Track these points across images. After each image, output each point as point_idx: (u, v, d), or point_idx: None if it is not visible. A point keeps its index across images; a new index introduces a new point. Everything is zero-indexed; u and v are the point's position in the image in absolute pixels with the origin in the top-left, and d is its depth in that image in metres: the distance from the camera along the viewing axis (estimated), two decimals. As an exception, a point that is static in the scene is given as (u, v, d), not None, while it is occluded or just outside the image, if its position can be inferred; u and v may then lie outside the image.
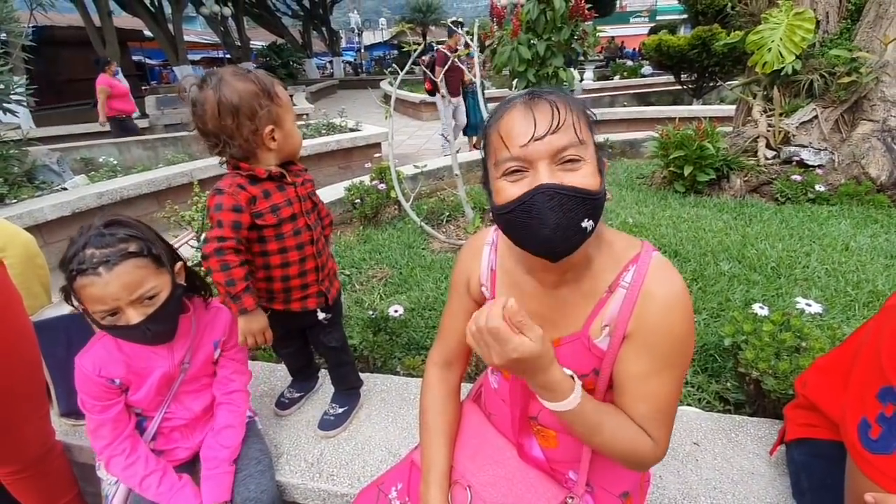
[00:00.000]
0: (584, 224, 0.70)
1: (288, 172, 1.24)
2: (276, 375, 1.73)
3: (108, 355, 1.10)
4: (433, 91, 6.49)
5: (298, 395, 1.56)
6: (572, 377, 0.74)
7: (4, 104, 4.45)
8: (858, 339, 1.02)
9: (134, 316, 0.97)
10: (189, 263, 2.17)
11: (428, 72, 4.80)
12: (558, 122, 0.69)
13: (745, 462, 1.25)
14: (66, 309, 1.49)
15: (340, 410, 1.46)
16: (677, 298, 0.76)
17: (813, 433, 1.05)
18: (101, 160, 5.72)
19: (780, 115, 3.71)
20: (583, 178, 0.69)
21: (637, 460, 0.80)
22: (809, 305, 1.51)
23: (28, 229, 1.61)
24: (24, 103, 4.89)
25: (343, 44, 29.21)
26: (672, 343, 0.76)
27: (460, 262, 1.00)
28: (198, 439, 1.25)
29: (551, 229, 0.69)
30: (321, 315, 1.35)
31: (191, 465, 1.26)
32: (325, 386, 1.64)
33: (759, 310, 1.51)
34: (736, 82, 4.28)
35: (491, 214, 0.79)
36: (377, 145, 6.05)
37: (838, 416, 0.93)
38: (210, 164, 4.76)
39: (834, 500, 0.93)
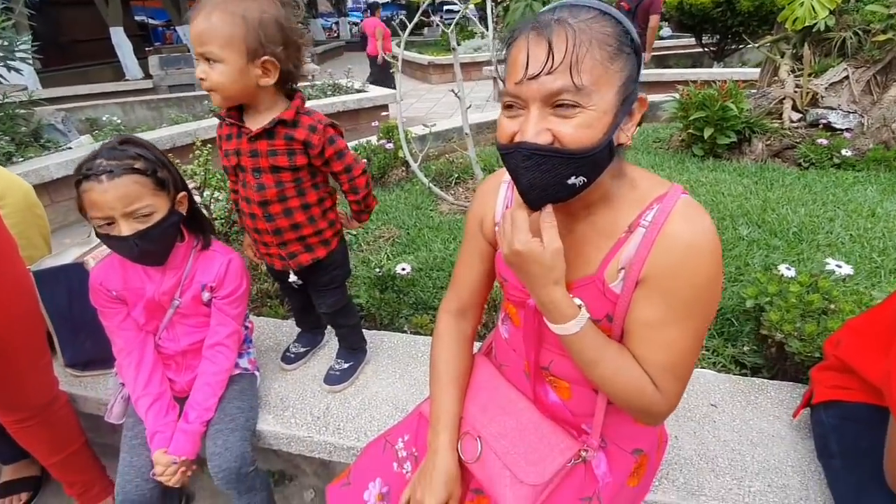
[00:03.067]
0: (570, 181, 0.65)
1: (252, 121, 1.12)
2: (281, 330, 1.70)
3: (111, 269, 1.18)
4: None
5: (304, 349, 1.53)
6: (580, 307, 0.73)
7: (9, 61, 4.37)
8: (900, 298, 0.95)
9: (125, 228, 1.02)
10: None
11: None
12: (553, 64, 0.61)
13: (765, 424, 1.20)
14: (66, 259, 1.46)
15: (346, 366, 1.44)
16: (702, 242, 0.68)
17: (844, 395, 1.00)
18: (104, 119, 5.64)
19: (810, 75, 3.52)
20: (575, 128, 0.62)
21: (640, 407, 0.75)
22: (840, 267, 1.44)
23: (34, 188, 1.59)
24: (29, 62, 4.79)
25: (349, 4, 28.28)
26: (692, 290, 0.69)
27: (475, 202, 0.94)
28: (186, 378, 1.27)
29: (525, 186, 0.68)
30: (292, 277, 1.30)
31: (184, 402, 1.27)
32: (331, 341, 1.60)
33: (786, 271, 1.44)
34: (763, 41, 4.05)
35: None
36: (384, 107, 5.89)
37: (879, 379, 0.87)
38: (213, 125, 4.65)
39: (866, 463, 0.89)
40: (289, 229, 1.21)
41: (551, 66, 0.61)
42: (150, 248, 1.09)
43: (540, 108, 0.64)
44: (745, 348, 1.61)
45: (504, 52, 0.69)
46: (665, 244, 0.69)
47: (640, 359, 0.74)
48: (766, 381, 1.36)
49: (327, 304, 1.37)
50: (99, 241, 1.14)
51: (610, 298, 0.76)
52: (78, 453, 1.41)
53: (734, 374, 1.47)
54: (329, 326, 1.64)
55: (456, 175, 3.42)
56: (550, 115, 0.64)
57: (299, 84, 1.17)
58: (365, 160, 1.18)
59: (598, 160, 0.65)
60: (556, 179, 0.65)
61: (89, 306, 1.21)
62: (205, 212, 2.23)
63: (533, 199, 0.69)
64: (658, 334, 0.72)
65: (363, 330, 1.55)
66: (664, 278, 0.69)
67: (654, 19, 4.87)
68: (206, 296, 1.23)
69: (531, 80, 0.63)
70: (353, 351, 1.47)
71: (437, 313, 1.02)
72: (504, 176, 0.90)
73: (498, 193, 0.90)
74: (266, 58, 1.02)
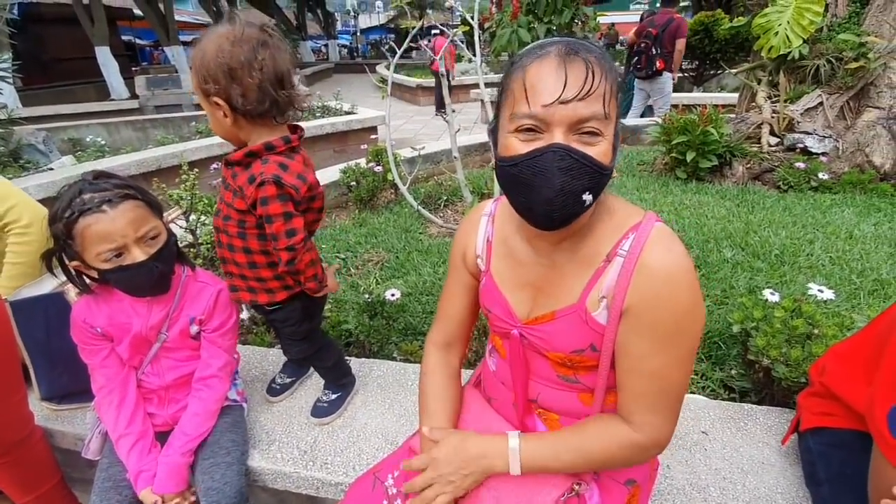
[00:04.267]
0: (584, 196, 0.66)
1: (234, 159, 1.10)
2: (267, 360, 1.67)
3: (95, 305, 1.14)
4: (663, 70, 5.23)
5: (290, 380, 1.50)
6: (507, 435, 0.79)
7: (-13, 79, 4.32)
8: (881, 325, 0.97)
9: (139, 254, 1.00)
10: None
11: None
12: (590, 89, 0.62)
13: (754, 451, 1.20)
14: (44, 288, 1.42)
15: (333, 397, 1.41)
16: (678, 270, 0.69)
17: (830, 422, 1.01)
18: (88, 140, 5.58)
19: (785, 101, 3.65)
20: (596, 154, 0.65)
21: (626, 460, 0.76)
22: (822, 292, 1.46)
23: (11, 209, 1.56)
24: (9, 80, 4.73)
25: (339, 27, 28.73)
26: (674, 319, 0.69)
27: (458, 235, 0.95)
28: (170, 412, 1.24)
29: (555, 191, 0.65)
30: (244, 314, 1.27)
31: (166, 437, 1.24)
32: (318, 371, 1.58)
33: (770, 296, 1.46)
34: (741, 68, 4.20)
35: (494, 167, 0.75)
36: (373, 129, 5.93)
37: (862, 405, 0.88)
38: (201, 146, 4.64)
39: (853, 490, 0.89)
40: (231, 262, 1.18)
41: (589, 90, 0.62)
42: (167, 270, 1.08)
43: (564, 132, 0.64)
44: (733, 372, 1.63)
45: (512, 74, 0.69)
46: (644, 274, 0.70)
47: (626, 387, 0.75)
48: (755, 406, 1.37)
49: (292, 352, 1.33)
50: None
51: (593, 328, 0.76)
52: (53, 492, 1.35)
53: (723, 400, 1.47)
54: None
55: (445, 197, 3.44)
56: (573, 139, 0.65)
57: (291, 112, 1.10)
58: (299, 240, 1.07)
59: (607, 180, 0.68)
60: (579, 188, 0.65)
61: (68, 337, 1.17)
62: (190, 237, 2.21)
63: (556, 208, 0.66)
64: (643, 364, 0.72)
65: (353, 357, 1.53)
66: (647, 309, 0.70)
67: (680, 42, 5.08)
68: (194, 329, 1.21)
69: (562, 105, 0.63)
70: (340, 384, 1.44)
71: (424, 346, 1.01)
72: (486, 209, 0.92)
73: (479, 226, 0.90)
74: (213, 97, 1.00)
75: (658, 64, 5.22)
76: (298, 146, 1.13)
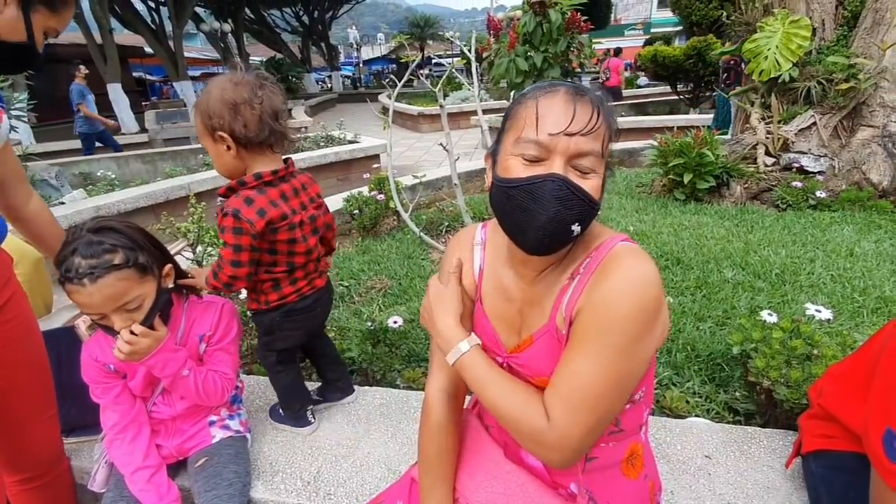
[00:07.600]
0: (573, 227, 0.70)
1: (221, 194, 1.25)
2: (271, 389, 1.67)
3: (105, 342, 1.15)
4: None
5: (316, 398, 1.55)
6: (469, 335, 0.82)
7: (3, 119, 4.47)
8: (876, 345, 0.98)
9: (118, 322, 1.02)
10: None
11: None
12: (593, 126, 0.68)
13: (759, 475, 1.20)
14: (56, 323, 1.46)
15: (282, 414, 1.49)
16: (631, 279, 0.69)
17: (831, 444, 1.01)
18: (98, 174, 5.72)
19: (779, 122, 3.71)
20: (589, 188, 0.70)
21: (529, 434, 0.73)
22: (819, 311, 1.47)
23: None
24: (25, 119, 4.89)
25: (342, 58, 29.58)
26: (606, 324, 0.68)
27: (450, 252, 0.94)
28: (176, 443, 1.26)
29: (549, 217, 0.68)
30: None
31: (172, 471, 1.26)
32: (333, 407, 1.58)
33: (768, 317, 1.47)
34: (734, 91, 4.28)
35: (489, 187, 0.78)
36: (376, 157, 6.04)
37: (859, 426, 0.88)
38: (207, 178, 4.74)
39: (856, 515, 0.88)
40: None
41: (592, 128, 0.68)
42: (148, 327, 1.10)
43: (563, 163, 0.69)
44: (737, 394, 1.62)
45: (521, 103, 0.73)
46: (593, 284, 0.72)
47: (549, 385, 0.74)
48: (758, 429, 1.36)
49: (259, 354, 1.45)
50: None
51: (563, 343, 0.78)
52: None
53: (726, 423, 1.47)
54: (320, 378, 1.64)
55: (446, 223, 3.49)
56: (570, 172, 0.69)
57: (286, 144, 1.21)
58: (242, 273, 1.18)
59: (593, 215, 0.72)
60: (571, 219, 0.69)
61: (77, 370, 1.20)
62: (197, 267, 2.25)
63: (546, 235, 0.69)
64: (568, 362, 0.72)
65: (356, 385, 1.55)
66: (584, 312, 0.72)
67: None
68: (202, 347, 1.24)
69: (568, 136, 0.68)
70: (286, 413, 1.48)
71: (427, 392, 0.95)
72: (476, 237, 0.93)
73: (473, 253, 0.92)
74: (218, 132, 1.13)
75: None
76: (273, 180, 1.19)
